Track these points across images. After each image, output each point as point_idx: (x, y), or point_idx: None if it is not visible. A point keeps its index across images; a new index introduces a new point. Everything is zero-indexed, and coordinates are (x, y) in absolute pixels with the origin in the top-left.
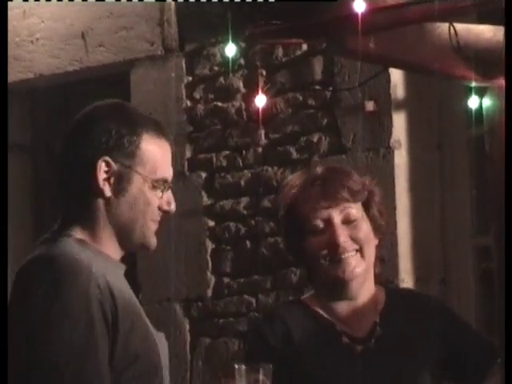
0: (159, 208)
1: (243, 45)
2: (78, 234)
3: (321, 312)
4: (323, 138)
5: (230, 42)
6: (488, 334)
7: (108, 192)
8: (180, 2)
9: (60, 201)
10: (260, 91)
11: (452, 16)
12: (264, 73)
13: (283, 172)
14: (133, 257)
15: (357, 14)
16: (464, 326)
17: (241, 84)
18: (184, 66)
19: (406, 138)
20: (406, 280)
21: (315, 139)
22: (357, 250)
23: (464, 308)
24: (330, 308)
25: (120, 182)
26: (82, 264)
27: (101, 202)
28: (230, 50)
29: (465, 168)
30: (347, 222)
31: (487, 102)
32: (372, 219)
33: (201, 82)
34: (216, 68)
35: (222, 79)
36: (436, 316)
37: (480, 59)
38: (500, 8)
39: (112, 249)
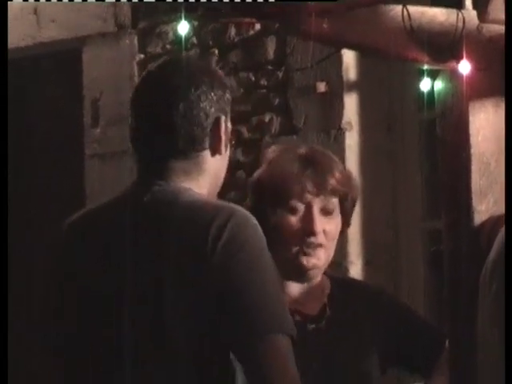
0: None
1: (196, 23)
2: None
3: None
4: (275, 118)
5: (183, 20)
6: (437, 317)
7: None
8: None
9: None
10: None
11: None
12: (216, 52)
13: (233, 152)
14: None
15: None
16: (409, 312)
17: None
18: (136, 43)
19: (358, 119)
20: (355, 262)
21: (267, 119)
22: (324, 245)
23: (413, 291)
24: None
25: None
26: None
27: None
28: (183, 28)
29: (416, 151)
30: (324, 212)
31: (439, 84)
32: (344, 213)
33: (153, 59)
34: (168, 46)
35: None
36: (379, 302)
37: (433, 42)
38: None
39: None
